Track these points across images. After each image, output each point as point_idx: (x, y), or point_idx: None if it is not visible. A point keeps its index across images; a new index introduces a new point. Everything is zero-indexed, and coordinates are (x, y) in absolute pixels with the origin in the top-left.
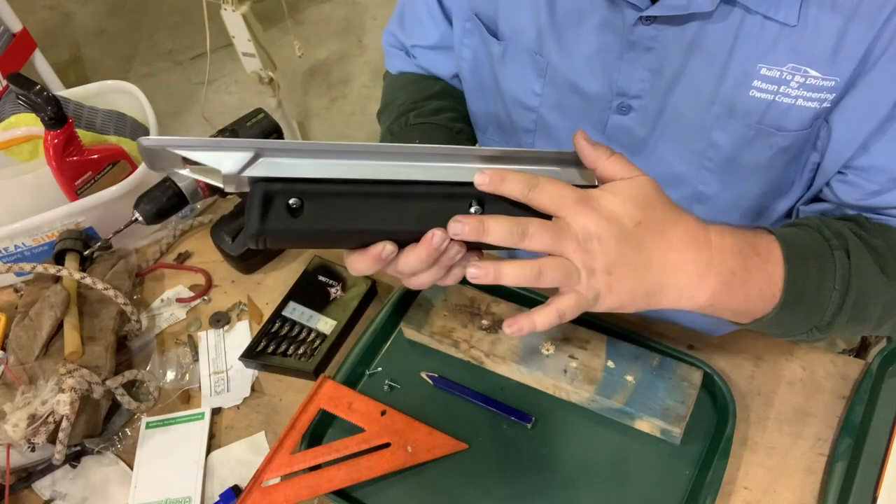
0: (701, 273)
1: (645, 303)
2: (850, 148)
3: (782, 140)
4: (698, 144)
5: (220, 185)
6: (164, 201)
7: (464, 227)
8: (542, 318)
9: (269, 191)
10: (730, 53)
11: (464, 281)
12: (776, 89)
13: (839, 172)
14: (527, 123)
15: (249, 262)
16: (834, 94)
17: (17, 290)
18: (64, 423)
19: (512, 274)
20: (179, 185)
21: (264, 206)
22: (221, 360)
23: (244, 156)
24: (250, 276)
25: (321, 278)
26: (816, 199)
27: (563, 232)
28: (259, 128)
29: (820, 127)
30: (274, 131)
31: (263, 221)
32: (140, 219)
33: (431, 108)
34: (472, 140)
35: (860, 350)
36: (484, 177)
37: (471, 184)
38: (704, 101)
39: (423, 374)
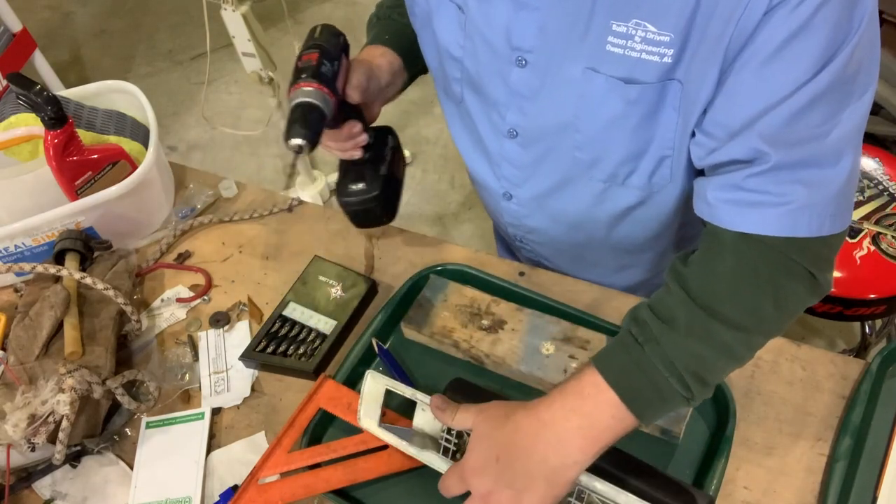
0: (558, 446)
1: (550, 490)
2: (697, 104)
3: (632, 92)
4: (573, 96)
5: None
6: (314, 118)
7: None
8: None
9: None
10: (591, 11)
11: (464, 281)
12: (625, 44)
13: (692, 134)
14: (455, 73)
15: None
16: (672, 50)
17: (17, 290)
18: (64, 423)
19: None
20: (309, 100)
21: None
22: (221, 360)
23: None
24: (250, 275)
25: (321, 278)
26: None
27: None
28: (328, 37)
29: (669, 84)
30: (340, 34)
31: None
32: (303, 143)
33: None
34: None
35: (860, 350)
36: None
37: None
38: (576, 55)
39: (374, 341)
